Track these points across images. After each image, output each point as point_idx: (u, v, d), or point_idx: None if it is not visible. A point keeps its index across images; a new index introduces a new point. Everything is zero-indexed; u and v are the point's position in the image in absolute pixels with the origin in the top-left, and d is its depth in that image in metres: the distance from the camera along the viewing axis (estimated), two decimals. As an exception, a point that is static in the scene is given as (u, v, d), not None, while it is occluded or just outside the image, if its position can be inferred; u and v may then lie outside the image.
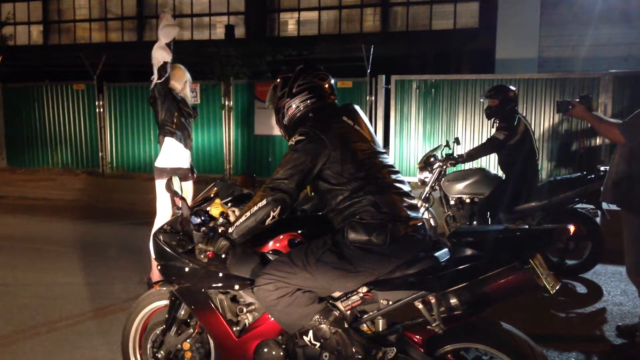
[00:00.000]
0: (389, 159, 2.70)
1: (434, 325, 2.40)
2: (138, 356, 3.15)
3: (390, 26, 19.66)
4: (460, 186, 5.56)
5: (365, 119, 2.75)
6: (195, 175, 5.26)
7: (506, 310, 4.53)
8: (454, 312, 2.37)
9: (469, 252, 2.42)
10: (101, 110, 11.72)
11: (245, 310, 2.75)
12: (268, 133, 10.52)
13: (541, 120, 9.13)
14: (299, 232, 2.75)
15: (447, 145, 5.90)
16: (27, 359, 3.66)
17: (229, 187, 3.06)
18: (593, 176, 5.20)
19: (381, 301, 2.50)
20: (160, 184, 4.98)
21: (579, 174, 5.42)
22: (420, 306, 2.43)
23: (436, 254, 2.44)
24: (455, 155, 5.69)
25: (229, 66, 10.90)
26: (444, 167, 5.63)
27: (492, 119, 5.55)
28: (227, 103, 10.84)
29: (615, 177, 3.71)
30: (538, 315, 4.43)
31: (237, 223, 2.52)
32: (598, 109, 8.45)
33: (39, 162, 12.36)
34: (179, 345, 2.93)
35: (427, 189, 5.70)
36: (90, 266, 5.64)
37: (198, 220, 2.80)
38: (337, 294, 2.58)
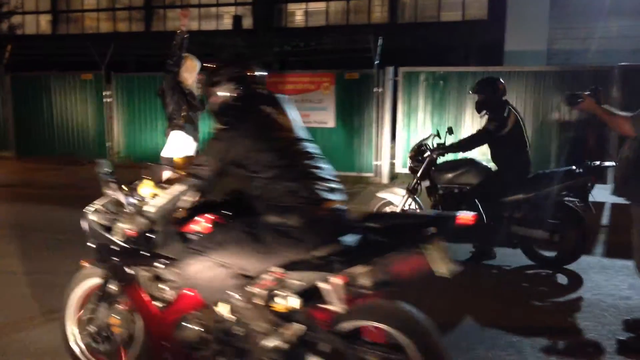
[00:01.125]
0: (311, 146, 2.82)
1: (336, 304, 2.54)
2: (76, 332, 3.30)
3: (399, 17, 19.57)
4: (449, 176, 5.58)
5: (290, 107, 2.87)
6: None
7: (513, 302, 4.54)
8: (357, 291, 2.53)
9: (374, 236, 2.61)
10: (109, 100, 11.75)
11: (168, 286, 2.94)
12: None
13: (550, 113, 9.07)
14: (222, 213, 2.92)
15: (438, 135, 5.93)
16: (36, 347, 3.70)
17: (160, 168, 3.29)
18: (581, 170, 5.26)
19: (292, 281, 2.66)
20: (167, 174, 4.99)
21: (568, 167, 5.47)
22: (325, 286, 2.57)
23: (344, 238, 2.59)
24: (446, 144, 5.73)
25: (236, 57, 10.88)
26: (434, 156, 5.66)
27: (483, 112, 5.59)
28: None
29: (625, 171, 3.69)
30: (542, 307, 4.44)
31: (155, 203, 2.77)
32: (607, 102, 8.39)
33: (47, 151, 12.41)
34: (110, 321, 3.11)
35: (416, 178, 5.73)
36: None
37: (134, 201, 2.97)
38: (254, 272, 2.73)
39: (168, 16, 21.75)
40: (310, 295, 2.63)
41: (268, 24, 19.51)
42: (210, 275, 2.70)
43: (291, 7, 20.88)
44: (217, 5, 21.43)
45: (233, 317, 2.71)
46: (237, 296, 2.67)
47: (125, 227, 2.82)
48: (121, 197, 2.96)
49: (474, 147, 5.82)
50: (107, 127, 11.86)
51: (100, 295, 3.13)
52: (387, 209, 5.95)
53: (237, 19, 20.34)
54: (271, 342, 2.60)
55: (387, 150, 9.98)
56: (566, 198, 5.32)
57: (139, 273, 2.99)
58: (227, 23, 21.01)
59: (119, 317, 3.08)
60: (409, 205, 5.73)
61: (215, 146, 2.71)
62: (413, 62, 10.15)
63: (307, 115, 10.20)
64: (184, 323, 2.86)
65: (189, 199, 2.75)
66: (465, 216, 2.56)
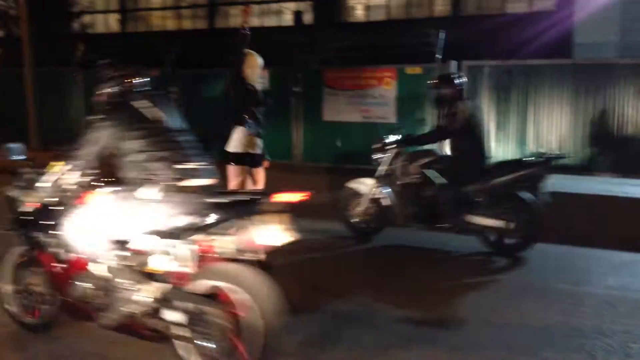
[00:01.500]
0: (182, 136, 3.43)
1: (189, 267, 3.12)
2: (10, 291, 3.87)
3: (462, 10, 19.17)
4: (411, 166, 5.85)
5: (168, 103, 3.54)
6: (268, 161, 5.37)
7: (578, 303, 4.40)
8: (209, 256, 3.11)
9: (220, 210, 3.11)
10: (174, 96, 12.05)
11: (66, 250, 3.51)
12: (336, 119, 10.52)
13: (623, 107, 8.66)
14: (109, 190, 3.42)
15: (398, 128, 6.31)
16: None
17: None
18: (533, 161, 5.49)
19: (159, 246, 3.18)
20: (231, 168, 5.11)
21: (519, 158, 5.76)
22: (181, 252, 3.13)
23: (200, 211, 3.12)
24: (411, 137, 6.09)
25: (298, 53, 10.95)
26: (398, 148, 5.95)
27: (441, 107, 5.86)
28: (296, 89, 10.90)
29: None
30: (612, 310, 4.28)
31: (47, 179, 3.38)
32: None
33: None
34: (32, 281, 3.75)
35: (382, 169, 5.97)
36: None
37: (45, 179, 3.46)
38: (126, 238, 3.27)
39: (231, 13, 22.12)
40: (173, 259, 3.16)
41: (329, 19, 19.51)
42: (91, 240, 3.29)
43: (352, 1, 20.80)
44: (278, 1, 21.62)
45: (109, 275, 3.29)
46: (110, 258, 3.27)
47: (29, 201, 3.52)
48: (31, 176, 3.56)
49: (433, 142, 6.14)
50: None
51: (24, 260, 3.78)
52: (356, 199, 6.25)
53: (297, 15, 20.44)
54: (138, 298, 3.20)
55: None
56: (519, 188, 5.50)
57: (47, 239, 3.58)
58: (287, 19, 21.17)
59: (39, 277, 3.72)
60: (375, 195, 6.00)
61: (91, 134, 3.29)
62: (477, 55, 9.92)
63: (368, 110, 10.16)
64: (76, 281, 3.46)
65: (72, 176, 3.33)
66: (289, 196, 3.06)
